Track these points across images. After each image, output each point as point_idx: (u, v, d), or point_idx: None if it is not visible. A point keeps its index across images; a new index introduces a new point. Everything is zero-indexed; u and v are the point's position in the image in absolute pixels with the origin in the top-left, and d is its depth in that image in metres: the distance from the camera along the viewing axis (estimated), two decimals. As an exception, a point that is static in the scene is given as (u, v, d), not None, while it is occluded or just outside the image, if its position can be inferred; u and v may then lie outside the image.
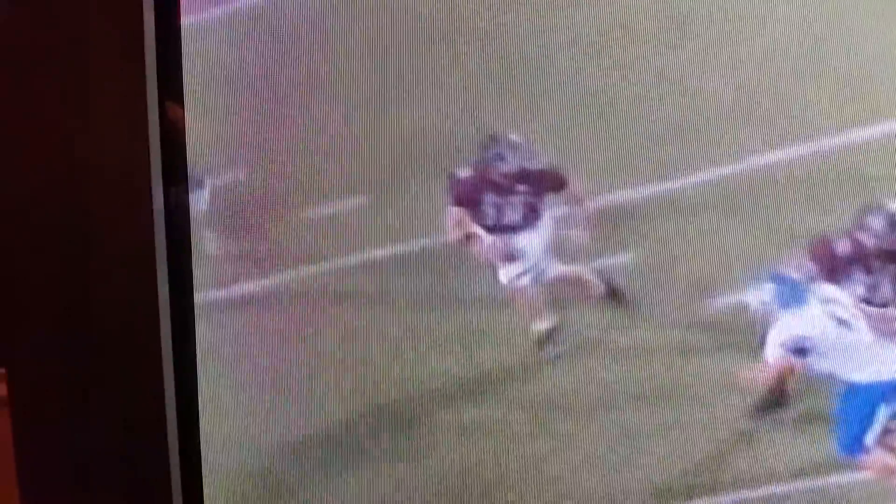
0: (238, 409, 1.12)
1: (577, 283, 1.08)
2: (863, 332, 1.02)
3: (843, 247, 0.99)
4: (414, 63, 1.01)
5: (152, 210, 1.03)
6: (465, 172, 1.07)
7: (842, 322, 1.02)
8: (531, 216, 1.09)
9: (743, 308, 1.03)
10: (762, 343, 1.04)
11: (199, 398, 1.10)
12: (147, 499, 1.12)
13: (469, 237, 1.10)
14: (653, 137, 1.01)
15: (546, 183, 1.07)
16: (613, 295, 1.06)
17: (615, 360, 1.07)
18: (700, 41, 0.98)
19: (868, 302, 1.00)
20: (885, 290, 1.00)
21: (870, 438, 1.04)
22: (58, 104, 1.00)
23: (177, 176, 1.03)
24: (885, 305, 1.00)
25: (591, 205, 1.06)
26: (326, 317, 1.10)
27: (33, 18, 0.97)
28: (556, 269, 1.09)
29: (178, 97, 1.00)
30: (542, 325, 1.09)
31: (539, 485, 1.11)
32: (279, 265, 1.09)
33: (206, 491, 1.12)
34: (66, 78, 0.99)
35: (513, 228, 1.10)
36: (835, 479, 1.05)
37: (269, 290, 1.10)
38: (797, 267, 1.00)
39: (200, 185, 1.06)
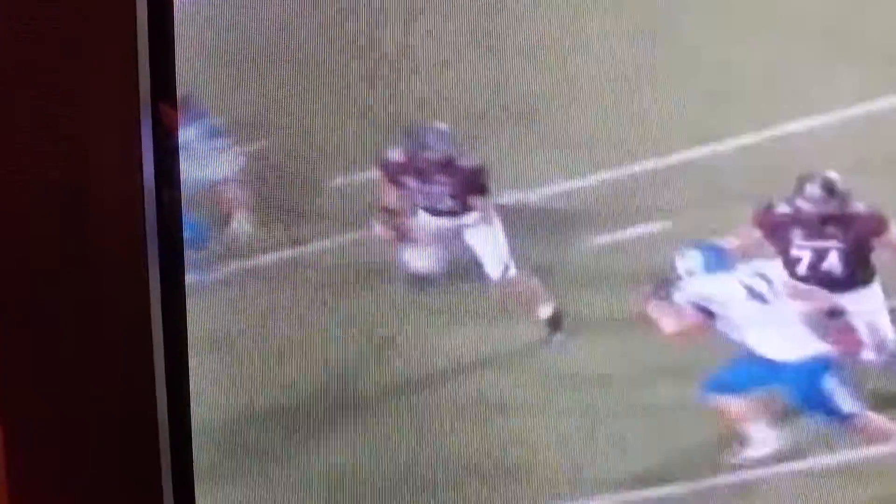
0: (232, 384, 1.12)
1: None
2: (784, 310, 1.02)
3: (783, 209, 1.00)
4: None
5: (144, 211, 1.03)
6: (396, 154, 1.06)
7: (756, 295, 1.02)
8: (460, 206, 1.08)
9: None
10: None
11: (191, 376, 1.09)
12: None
13: (393, 213, 1.09)
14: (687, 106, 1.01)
15: (470, 184, 1.07)
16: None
17: (627, 336, 1.06)
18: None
19: (814, 271, 1.02)
20: (833, 258, 1.01)
21: (847, 405, 1.02)
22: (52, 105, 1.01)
23: (169, 178, 1.03)
24: (830, 275, 1.01)
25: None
26: (335, 289, 1.09)
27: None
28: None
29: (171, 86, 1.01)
30: (543, 313, 1.09)
31: (547, 464, 1.10)
32: (291, 237, 1.09)
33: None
34: (57, 64, 0.99)
35: (451, 214, 1.09)
36: (845, 456, 1.05)
37: (274, 264, 1.09)
38: (743, 235, 1.01)
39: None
